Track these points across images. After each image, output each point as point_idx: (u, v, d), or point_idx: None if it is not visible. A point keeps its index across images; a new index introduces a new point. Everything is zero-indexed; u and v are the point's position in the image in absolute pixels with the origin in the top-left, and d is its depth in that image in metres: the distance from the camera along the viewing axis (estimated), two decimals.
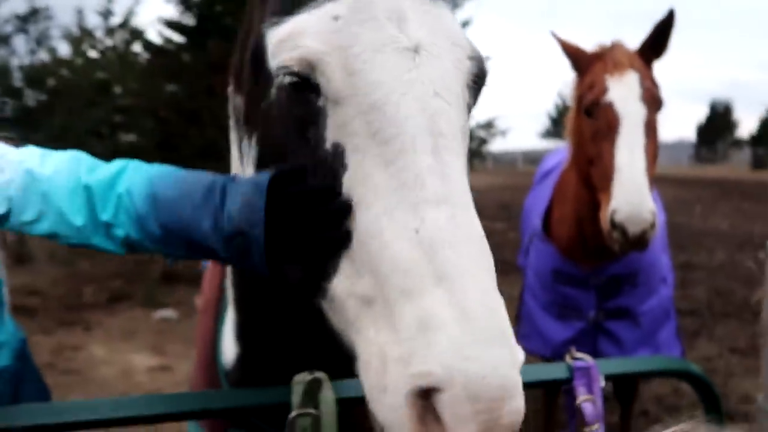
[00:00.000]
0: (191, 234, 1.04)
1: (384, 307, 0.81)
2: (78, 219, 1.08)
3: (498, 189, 22.23)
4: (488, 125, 9.23)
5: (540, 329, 3.18)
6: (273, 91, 1.00)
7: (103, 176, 1.11)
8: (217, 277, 1.50)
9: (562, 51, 2.85)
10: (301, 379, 1.09)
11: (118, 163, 1.15)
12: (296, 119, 0.96)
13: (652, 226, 2.32)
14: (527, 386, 1.31)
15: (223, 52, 6.99)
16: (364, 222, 0.86)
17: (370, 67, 0.91)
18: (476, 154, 9.68)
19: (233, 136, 1.29)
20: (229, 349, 1.39)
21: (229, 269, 1.36)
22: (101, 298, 7.55)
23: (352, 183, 0.89)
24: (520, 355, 0.78)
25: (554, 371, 1.32)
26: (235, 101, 1.25)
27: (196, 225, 1.02)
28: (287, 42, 0.95)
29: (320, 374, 1.10)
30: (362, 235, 0.86)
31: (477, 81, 1.04)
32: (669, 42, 2.65)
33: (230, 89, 1.29)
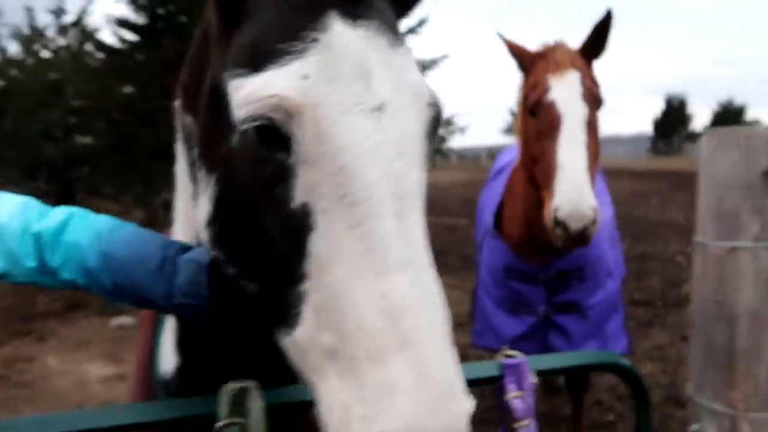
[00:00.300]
0: (143, 294, 1.14)
1: (349, 363, 0.86)
2: (30, 262, 1.16)
3: (462, 185, 22.44)
4: (448, 123, 9.30)
5: (493, 325, 3.23)
6: (235, 138, 1.00)
7: (51, 224, 1.18)
8: None
9: (508, 51, 2.89)
10: (229, 388, 1.09)
11: (63, 211, 1.21)
12: (264, 176, 0.97)
13: (593, 222, 2.38)
14: None
15: (176, 50, 6.87)
16: (331, 282, 0.90)
17: (339, 131, 0.92)
18: (436, 151, 9.75)
19: (181, 149, 1.27)
20: (168, 359, 1.37)
21: None
22: (56, 307, 7.34)
23: (320, 243, 0.92)
24: (468, 403, 0.85)
25: (485, 370, 1.33)
26: (185, 120, 1.23)
27: (149, 289, 1.13)
28: (258, 94, 0.94)
29: (248, 383, 1.10)
30: (329, 294, 0.90)
31: (434, 124, 1.06)
32: (608, 41, 2.71)
33: (178, 104, 1.26)
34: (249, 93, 0.95)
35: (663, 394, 4.45)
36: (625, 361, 1.47)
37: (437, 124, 1.08)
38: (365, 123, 0.93)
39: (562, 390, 4.44)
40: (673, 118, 48.77)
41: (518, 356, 1.35)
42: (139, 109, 8.16)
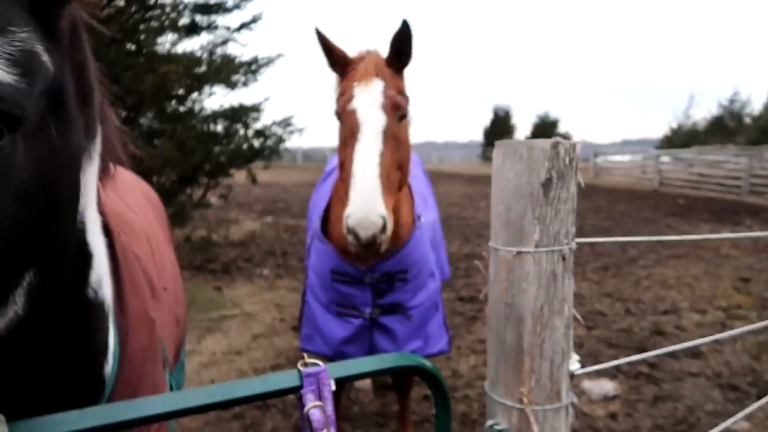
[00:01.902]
0: None
1: None
2: None
3: (306, 185, 22.40)
4: (285, 123, 9.17)
5: (321, 329, 3.21)
6: None
7: None
8: None
9: (323, 50, 2.87)
10: None
11: None
12: None
13: (383, 230, 2.45)
14: (258, 398, 1.27)
15: None
16: None
17: None
18: (273, 151, 9.56)
19: None
20: None
21: None
22: None
23: None
24: None
25: (285, 380, 1.28)
26: None
27: None
28: None
29: None
30: None
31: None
32: (411, 51, 2.77)
33: None
34: None
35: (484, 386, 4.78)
36: (427, 363, 1.51)
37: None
38: None
39: (389, 387, 4.58)
40: (499, 128, 53.28)
41: (319, 364, 1.32)
42: None
